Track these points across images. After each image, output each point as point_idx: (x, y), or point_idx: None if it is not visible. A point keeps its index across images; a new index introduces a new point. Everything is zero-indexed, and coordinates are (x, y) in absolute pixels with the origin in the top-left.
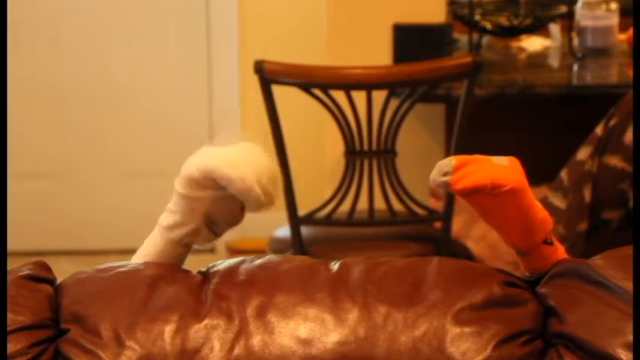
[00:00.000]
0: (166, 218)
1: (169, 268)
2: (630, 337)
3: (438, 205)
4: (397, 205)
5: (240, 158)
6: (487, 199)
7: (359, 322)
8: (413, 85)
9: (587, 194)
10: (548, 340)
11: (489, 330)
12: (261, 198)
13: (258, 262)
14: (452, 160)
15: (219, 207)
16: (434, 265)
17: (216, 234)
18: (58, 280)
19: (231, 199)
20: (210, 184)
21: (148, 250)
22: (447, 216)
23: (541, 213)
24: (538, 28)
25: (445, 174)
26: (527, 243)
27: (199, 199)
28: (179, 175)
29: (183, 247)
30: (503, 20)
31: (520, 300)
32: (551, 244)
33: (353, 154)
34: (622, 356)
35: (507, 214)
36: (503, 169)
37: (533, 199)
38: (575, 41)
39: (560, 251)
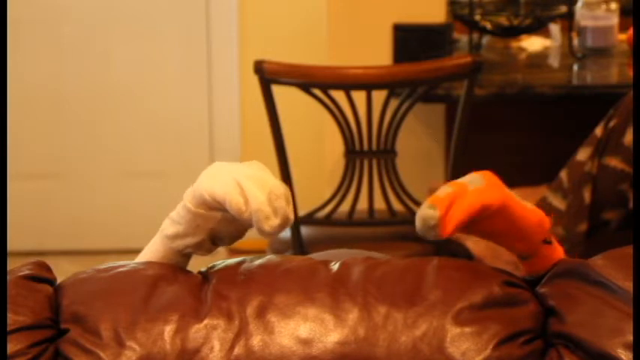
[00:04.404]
0: (169, 227)
1: (169, 268)
2: (630, 337)
3: None
4: (397, 205)
5: (252, 180)
6: (478, 225)
7: (359, 322)
8: (413, 85)
9: (587, 195)
10: (548, 340)
11: (489, 330)
12: (274, 225)
13: (258, 262)
14: (435, 211)
15: (226, 225)
16: (434, 265)
17: (218, 246)
18: (58, 280)
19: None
20: (222, 207)
21: (148, 256)
22: None
23: (535, 216)
24: (538, 28)
25: (432, 227)
26: (528, 247)
27: (207, 217)
28: (190, 191)
29: (184, 256)
30: (503, 20)
31: (520, 300)
32: (550, 243)
33: (353, 154)
34: (622, 356)
35: (501, 229)
36: (481, 192)
37: (522, 206)
38: (575, 41)
39: (559, 250)
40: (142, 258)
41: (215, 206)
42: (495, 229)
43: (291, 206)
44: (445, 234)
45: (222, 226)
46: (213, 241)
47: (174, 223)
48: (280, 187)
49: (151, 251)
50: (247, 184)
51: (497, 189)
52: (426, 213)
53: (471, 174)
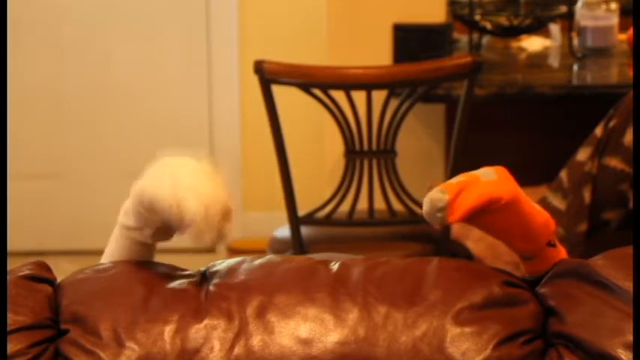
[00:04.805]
0: (123, 218)
1: (169, 267)
2: (630, 337)
3: None
4: (397, 205)
5: (191, 193)
6: (486, 217)
7: (359, 322)
8: (413, 85)
9: (587, 195)
10: (548, 340)
11: (489, 330)
12: (207, 240)
13: (258, 262)
14: (444, 194)
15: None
16: (434, 265)
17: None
18: (58, 280)
19: None
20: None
21: (115, 251)
22: None
23: (541, 216)
24: (538, 28)
25: (440, 210)
26: (532, 247)
27: (153, 217)
28: (136, 191)
29: (148, 245)
30: (503, 20)
31: (520, 300)
32: (554, 246)
33: (353, 154)
34: (622, 356)
35: (509, 224)
36: (493, 184)
37: (531, 204)
38: (575, 41)
39: (562, 253)
40: (109, 252)
41: (156, 214)
42: (502, 225)
43: (228, 222)
44: (452, 219)
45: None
46: (169, 228)
47: (128, 214)
48: (217, 203)
49: (118, 246)
50: (185, 197)
51: (509, 184)
52: (435, 196)
53: (484, 168)
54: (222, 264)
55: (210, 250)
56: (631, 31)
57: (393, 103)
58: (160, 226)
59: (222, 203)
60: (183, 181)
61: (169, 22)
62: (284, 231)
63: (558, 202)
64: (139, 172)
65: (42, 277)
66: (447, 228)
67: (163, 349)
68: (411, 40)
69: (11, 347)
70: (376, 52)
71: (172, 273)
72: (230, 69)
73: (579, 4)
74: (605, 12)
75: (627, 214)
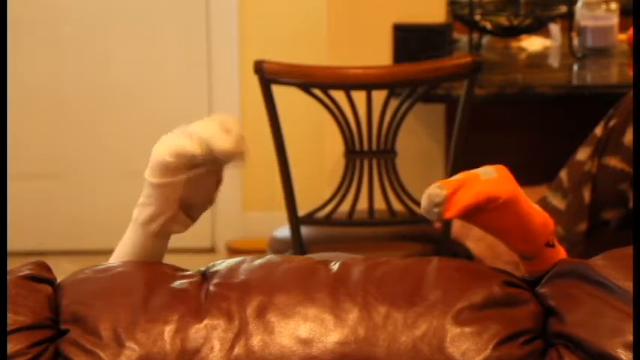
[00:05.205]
0: (141, 214)
1: (169, 267)
2: (630, 337)
3: None
4: (397, 205)
5: (195, 124)
6: (484, 215)
7: (359, 322)
8: (413, 85)
9: (587, 195)
10: (548, 340)
11: (489, 330)
12: (231, 141)
13: (258, 262)
14: (442, 190)
15: (193, 187)
16: (434, 265)
17: (193, 218)
18: (58, 280)
19: (204, 176)
20: (184, 165)
21: (127, 249)
22: None
23: (540, 217)
24: (538, 28)
25: (437, 205)
26: (530, 247)
27: (173, 185)
28: (149, 166)
29: (162, 238)
30: (503, 20)
31: (520, 300)
32: (552, 246)
33: (353, 154)
34: (622, 356)
35: (506, 224)
36: (492, 182)
37: (530, 204)
38: (575, 41)
39: (561, 253)
40: (120, 251)
41: (178, 165)
42: (500, 224)
43: (240, 127)
44: (448, 215)
45: (190, 191)
46: (185, 212)
47: (145, 206)
48: (224, 114)
49: (129, 243)
50: (193, 129)
51: (509, 183)
52: (433, 191)
53: (484, 166)
54: (222, 264)
55: (210, 250)
56: (631, 31)
57: (393, 103)
58: (181, 200)
59: (226, 114)
60: (183, 127)
61: (169, 22)
62: (284, 231)
63: (558, 202)
64: (139, 172)
65: (42, 277)
66: (447, 228)
67: (163, 349)
68: (411, 40)
69: (11, 347)
70: (376, 52)
71: (172, 273)
72: (230, 69)
73: (579, 4)
74: (605, 12)
75: (627, 214)
